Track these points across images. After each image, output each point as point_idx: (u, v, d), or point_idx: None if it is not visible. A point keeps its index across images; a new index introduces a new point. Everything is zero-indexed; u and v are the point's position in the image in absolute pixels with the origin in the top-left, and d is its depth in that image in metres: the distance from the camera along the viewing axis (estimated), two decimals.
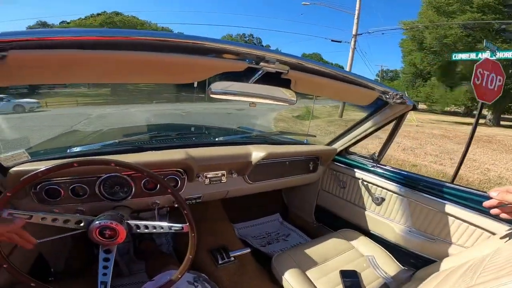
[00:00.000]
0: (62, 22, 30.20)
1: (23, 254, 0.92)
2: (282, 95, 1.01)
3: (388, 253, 1.18)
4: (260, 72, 0.79)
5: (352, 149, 1.58)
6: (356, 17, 11.98)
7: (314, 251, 1.17)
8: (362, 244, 1.24)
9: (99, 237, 0.71)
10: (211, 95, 0.84)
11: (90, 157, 0.75)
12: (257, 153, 1.22)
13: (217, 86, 0.85)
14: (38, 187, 0.88)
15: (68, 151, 1.05)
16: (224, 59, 0.70)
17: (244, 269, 1.19)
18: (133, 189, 0.98)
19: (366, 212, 1.40)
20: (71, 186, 0.92)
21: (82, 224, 0.71)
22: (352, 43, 12.18)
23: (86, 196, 0.95)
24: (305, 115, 9.57)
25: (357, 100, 1.10)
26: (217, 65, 0.70)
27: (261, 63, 0.74)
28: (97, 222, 0.71)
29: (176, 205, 1.07)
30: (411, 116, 12.29)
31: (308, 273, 1.05)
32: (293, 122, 9.03)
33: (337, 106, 12.99)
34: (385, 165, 1.37)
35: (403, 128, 1.32)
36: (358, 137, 1.41)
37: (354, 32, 12.12)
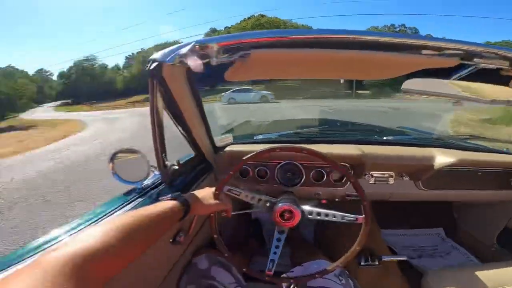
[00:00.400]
0: (226, 27, 37.91)
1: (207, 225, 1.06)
2: (499, 93, 0.81)
3: None
4: (470, 68, 0.71)
5: None
6: None
7: (487, 276, 0.92)
8: None
9: (279, 218, 0.77)
10: (403, 92, 0.81)
11: (290, 145, 0.83)
12: (444, 157, 1.07)
13: (411, 83, 0.80)
14: None
15: (255, 138, 1.31)
16: (431, 55, 0.65)
17: (387, 276, 1.12)
18: (303, 178, 1.08)
19: None
20: (257, 168, 1.09)
21: (268, 205, 0.80)
22: None
23: (266, 178, 1.09)
24: (497, 119, 6.89)
25: None
26: (425, 62, 0.67)
27: (475, 59, 0.66)
28: (280, 204, 0.78)
29: (336, 199, 1.15)
30: None
31: None
32: (481, 127, 6.70)
33: None
34: None
35: None
36: None
37: None
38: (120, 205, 0.70)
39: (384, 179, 1.15)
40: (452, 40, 0.64)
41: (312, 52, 0.62)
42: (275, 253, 0.81)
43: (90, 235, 0.40)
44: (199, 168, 1.06)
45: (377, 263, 1.16)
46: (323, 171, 1.10)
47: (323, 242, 1.50)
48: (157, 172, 0.87)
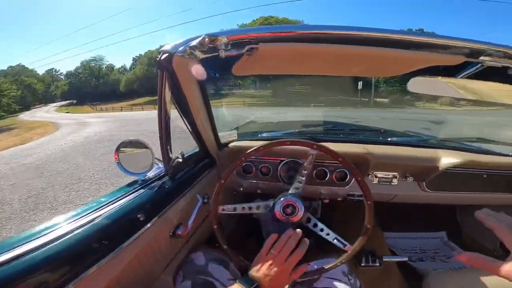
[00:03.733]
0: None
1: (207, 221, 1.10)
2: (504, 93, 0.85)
3: None
4: (477, 67, 0.72)
5: None
6: None
7: (488, 280, 0.93)
8: None
9: (283, 215, 0.80)
10: (409, 90, 0.84)
11: (296, 139, 0.84)
12: (449, 158, 1.10)
13: (416, 81, 0.84)
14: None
15: (259, 135, 1.36)
16: (436, 52, 0.67)
17: (387, 277, 1.15)
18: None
19: None
20: (261, 165, 1.16)
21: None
22: None
23: (269, 176, 1.16)
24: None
25: None
26: (427, 58, 0.68)
27: (481, 57, 0.67)
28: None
29: (339, 199, 1.17)
30: None
31: None
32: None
33: None
34: None
35: None
36: None
37: None
38: (122, 195, 0.73)
39: (388, 180, 1.17)
40: (456, 38, 0.65)
41: (319, 47, 0.64)
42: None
43: None
44: (202, 163, 1.12)
45: (377, 264, 1.19)
46: (326, 170, 1.13)
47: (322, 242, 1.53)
48: (160, 165, 0.90)
